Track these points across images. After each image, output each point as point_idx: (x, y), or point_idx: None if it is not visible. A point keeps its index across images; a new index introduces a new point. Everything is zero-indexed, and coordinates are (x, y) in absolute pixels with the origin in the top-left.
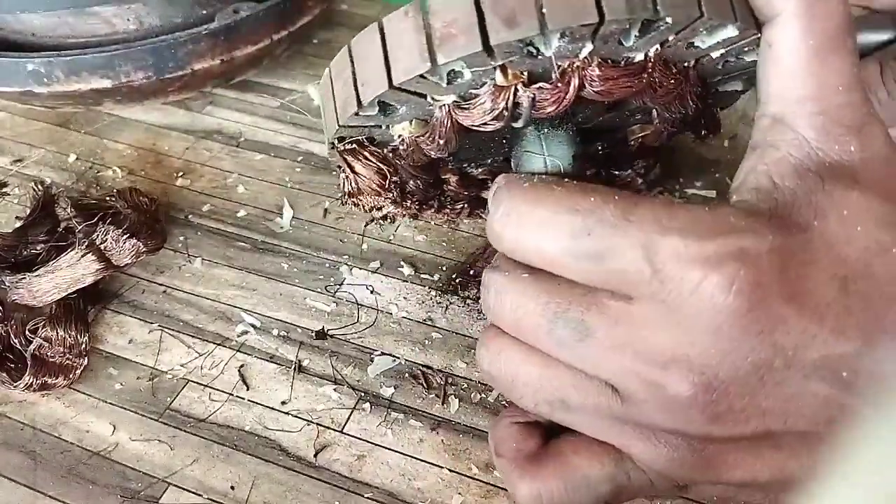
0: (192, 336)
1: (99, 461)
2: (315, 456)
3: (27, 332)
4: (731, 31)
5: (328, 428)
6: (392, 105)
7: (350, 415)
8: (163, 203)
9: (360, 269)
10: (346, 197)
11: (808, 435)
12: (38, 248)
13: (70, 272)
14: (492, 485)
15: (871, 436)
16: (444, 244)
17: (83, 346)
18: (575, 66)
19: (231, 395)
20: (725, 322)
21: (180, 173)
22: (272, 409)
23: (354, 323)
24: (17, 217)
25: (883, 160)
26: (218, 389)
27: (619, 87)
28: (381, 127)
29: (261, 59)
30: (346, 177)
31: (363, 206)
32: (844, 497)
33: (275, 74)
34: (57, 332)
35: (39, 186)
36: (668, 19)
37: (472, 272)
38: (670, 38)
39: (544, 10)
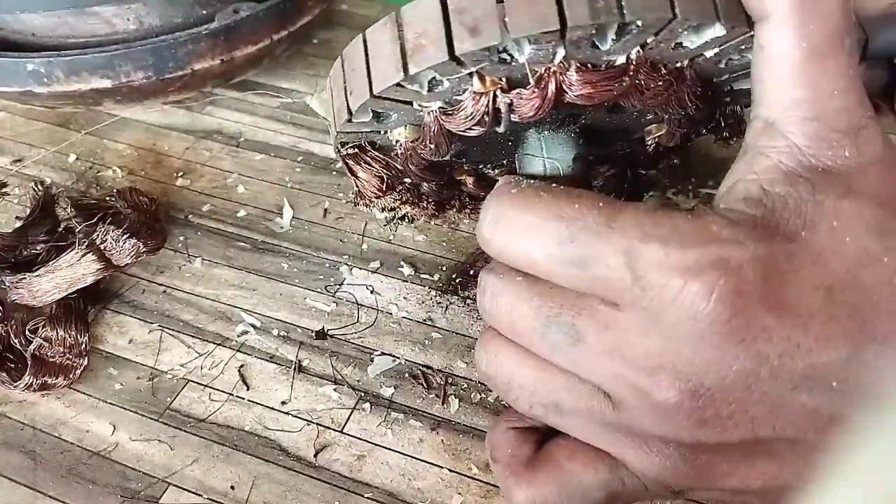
0: (192, 336)
1: (99, 461)
2: (315, 456)
3: (27, 332)
4: (718, 31)
5: (328, 428)
6: (382, 112)
7: (350, 415)
8: (163, 203)
9: (360, 269)
10: (357, 199)
11: (798, 442)
12: (38, 248)
13: (70, 272)
14: (492, 485)
15: (869, 436)
16: (444, 244)
17: (83, 346)
18: (551, 71)
19: (231, 395)
20: (707, 330)
21: (180, 173)
22: (272, 409)
23: (354, 323)
24: (17, 217)
25: (880, 165)
26: (218, 389)
27: (600, 91)
28: (379, 132)
29: (261, 59)
30: (352, 180)
31: (377, 207)
32: (843, 497)
33: (275, 74)
34: (57, 332)
35: (39, 186)
36: (639, 22)
37: (471, 272)
38: (649, 40)
39: (506, 19)
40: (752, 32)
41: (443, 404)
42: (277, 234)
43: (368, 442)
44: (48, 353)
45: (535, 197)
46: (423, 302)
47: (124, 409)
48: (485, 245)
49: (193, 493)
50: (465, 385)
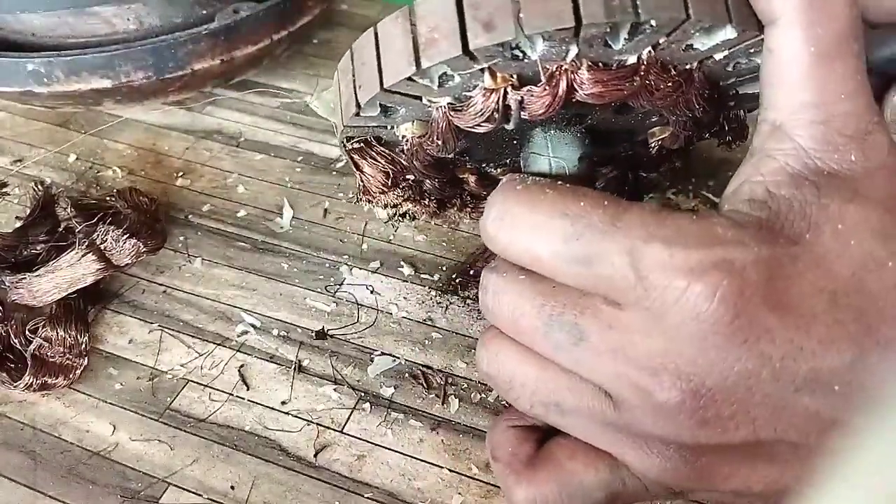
0: (192, 336)
1: (99, 461)
2: (315, 456)
3: (27, 332)
4: (729, 33)
5: (328, 428)
6: (391, 107)
7: (350, 415)
8: (163, 203)
9: (360, 269)
10: (361, 194)
11: (799, 446)
12: (38, 248)
13: (70, 272)
14: (492, 485)
15: (870, 438)
16: (444, 244)
17: (83, 346)
18: (563, 69)
19: (231, 395)
20: (710, 331)
21: (180, 173)
22: (272, 409)
23: (354, 323)
24: (17, 217)
25: (887, 170)
26: (218, 389)
27: (610, 90)
28: (386, 127)
29: (261, 59)
30: (357, 175)
31: (379, 204)
32: (845, 498)
33: (275, 74)
34: (57, 332)
35: (39, 186)
36: (653, 22)
37: (472, 272)
38: (661, 41)
39: (521, 15)
40: (762, 36)
41: (443, 404)
42: (277, 234)
43: (368, 442)
44: (48, 353)
45: (540, 194)
46: (423, 302)
47: (124, 409)
48: (489, 241)
49: (193, 493)
50: (465, 385)
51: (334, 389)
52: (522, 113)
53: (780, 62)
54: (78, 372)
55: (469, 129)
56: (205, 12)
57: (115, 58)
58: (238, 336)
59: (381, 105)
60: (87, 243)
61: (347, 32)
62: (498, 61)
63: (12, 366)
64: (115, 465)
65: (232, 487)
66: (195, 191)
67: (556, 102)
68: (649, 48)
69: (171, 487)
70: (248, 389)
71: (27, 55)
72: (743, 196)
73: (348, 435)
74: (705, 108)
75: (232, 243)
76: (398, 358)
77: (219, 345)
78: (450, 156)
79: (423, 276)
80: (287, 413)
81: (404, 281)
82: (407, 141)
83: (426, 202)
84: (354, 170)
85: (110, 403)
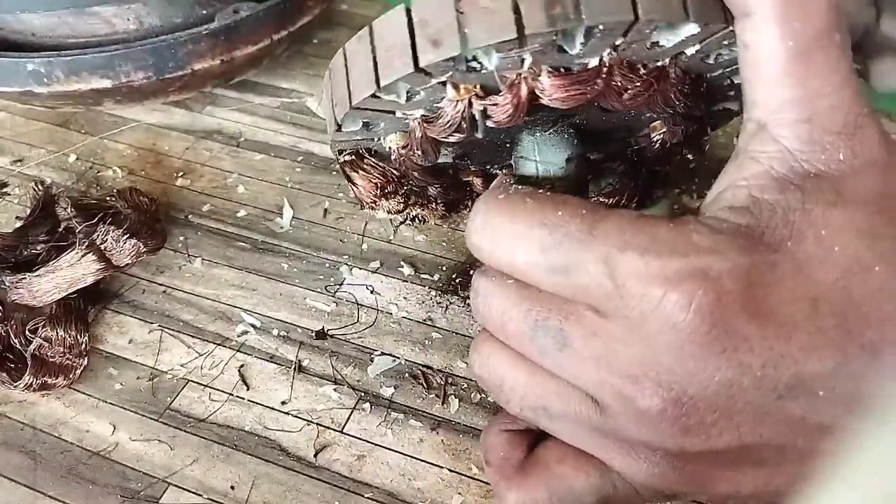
0: (192, 336)
1: (99, 461)
2: (315, 456)
3: (27, 332)
4: (692, 28)
5: (328, 428)
6: (370, 121)
7: (350, 415)
8: (163, 203)
9: (360, 269)
10: (357, 203)
11: (787, 449)
12: (38, 248)
13: (70, 272)
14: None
15: (867, 439)
16: (444, 244)
17: (83, 346)
18: (521, 76)
19: (231, 395)
20: (687, 340)
21: (180, 173)
22: (272, 409)
23: (354, 323)
24: (17, 217)
25: (876, 168)
26: (218, 389)
27: (573, 95)
28: (373, 139)
29: (261, 59)
30: (350, 187)
31: (384, 210)
32: (843, 499)
33: (275, 74)
34: (57, 332)
35: (39, 186)
36: (601, 26)
37: (471, 272)
38: (618, 42)
39: (466, 30)
40: (730, 28)
41: (443, 404)
42: (277, 234)
43: (368, 442)
44: (48, 353)
45: (520, 203)
46: (423, 302)
47: (124, 409)
48: (473, 250)
49: (193, 493)
50: (465, 385)
51: (334, 389)
52: (488, 122)
53: (758, 58)
54: (78, 372)
55: (442, 140)
56: (205, 12)
57: (115, 58)
58: (238, 336)
59: (361, 120)
60: (87, 243)
61: (347, 32)
62: (454, 74)
63: (12, 366)
64: (115, 465)
65: (232, 487)
66: (195, 191)
67: (519, 110)
68: (609, 49)
69: (171, 487)
70: (248, 389)
71: (27, 55)
72: (724, 202)
73: (348, 435)
74: (687, 102)
75: (232, 243)
76: (398, 358)
77: (219, 345)
78: (438, 163)
79: (423, 276)
80: (287, 413)
81: (404, 281)
82: (394, 151)
83: (433, 206)
84: (347, 181)
85: (110, 403)
